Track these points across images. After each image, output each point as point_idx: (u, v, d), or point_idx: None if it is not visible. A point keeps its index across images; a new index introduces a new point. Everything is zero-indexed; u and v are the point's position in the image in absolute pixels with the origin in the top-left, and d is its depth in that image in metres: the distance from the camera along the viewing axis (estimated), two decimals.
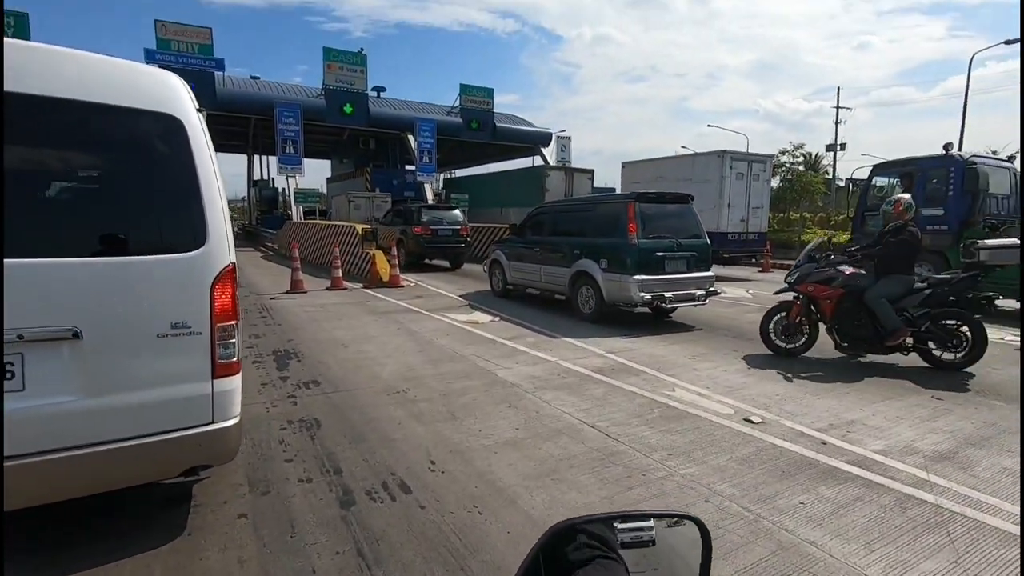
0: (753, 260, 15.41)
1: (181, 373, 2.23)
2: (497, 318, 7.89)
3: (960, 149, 14.50)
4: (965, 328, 5.12)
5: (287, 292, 10.16)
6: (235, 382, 2.38)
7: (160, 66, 2.48)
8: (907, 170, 10.07)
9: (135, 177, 2.23)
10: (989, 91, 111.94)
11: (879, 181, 10.78)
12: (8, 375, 1.93)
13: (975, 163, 9.16)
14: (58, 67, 2.05)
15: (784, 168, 27.30)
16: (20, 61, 1.93)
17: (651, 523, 0.74)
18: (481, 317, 7.97)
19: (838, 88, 69.78)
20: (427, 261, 15.29)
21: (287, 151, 23.16)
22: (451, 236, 14.74)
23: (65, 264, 2.01)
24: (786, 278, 5.99)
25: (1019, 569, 2.27)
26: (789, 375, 5.09)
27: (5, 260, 1.84)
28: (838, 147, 36.23)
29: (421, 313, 8.26)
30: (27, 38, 16.83)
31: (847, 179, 17.97)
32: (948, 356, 5.20)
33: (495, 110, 29.19)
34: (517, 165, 30.39)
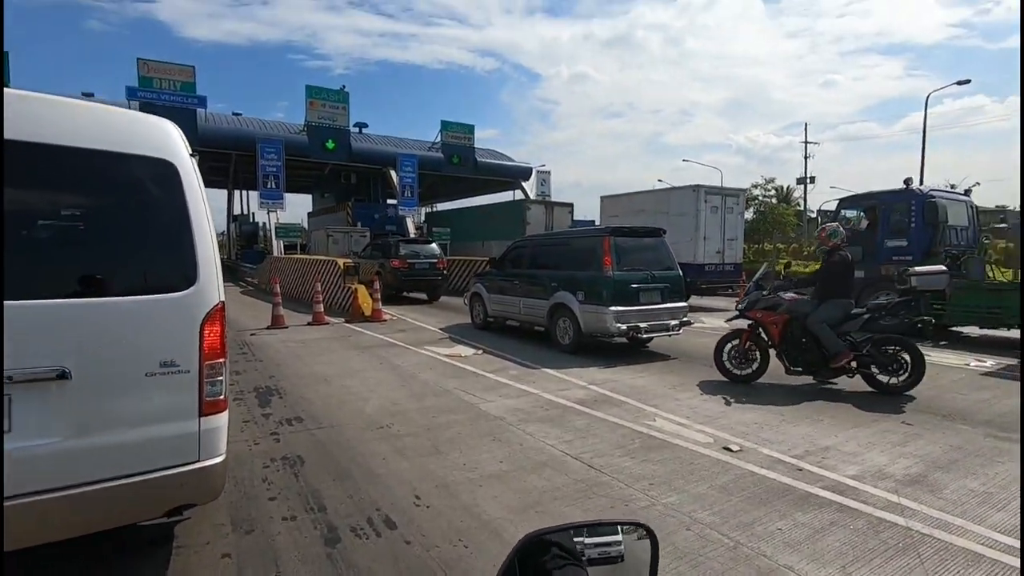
0: (730, 290, 15.73)
1: (169, 411, 2.24)
2: (479, 351, 7.93)
3: (921, 183, 15.24)
4: (905, 354, 5.40)
5: (268, 328, 10.08)
6: (222, 419, 2.39)
7: (141, 103, 2.60)
8: (871, 203, 10.54)
9: (132, 219, 2.31)
10: (946, 127, 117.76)
11: (847, 213, 11.26)
12: None
13: (934, 197, 9.67)
14: (72, 118, 2.18)
15: (757, 201, 28.25)
16: (39, 112, 2.09)
17: (620, 537, 0.82)
18: (463, 350, 8.00)
19: (806, 124, 73.55)
20: (405, 294, 15.33)
21: (269, 186, 23.20)
22: (428, 269, 14.90)
23: (58, 305, 2.05)
24: (737, 305, 6.28)
25: None
26: (766, 403, 5.22)
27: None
28: (808, 180, 37.60)
29: (404, 347, 8.27)
30: (7, 76, 16.86)
31: (818, 211, 18.72)
32: (891, 380, 5.45)
33: (476, 145, 29.70)
34: (499, 199, 30.76)
